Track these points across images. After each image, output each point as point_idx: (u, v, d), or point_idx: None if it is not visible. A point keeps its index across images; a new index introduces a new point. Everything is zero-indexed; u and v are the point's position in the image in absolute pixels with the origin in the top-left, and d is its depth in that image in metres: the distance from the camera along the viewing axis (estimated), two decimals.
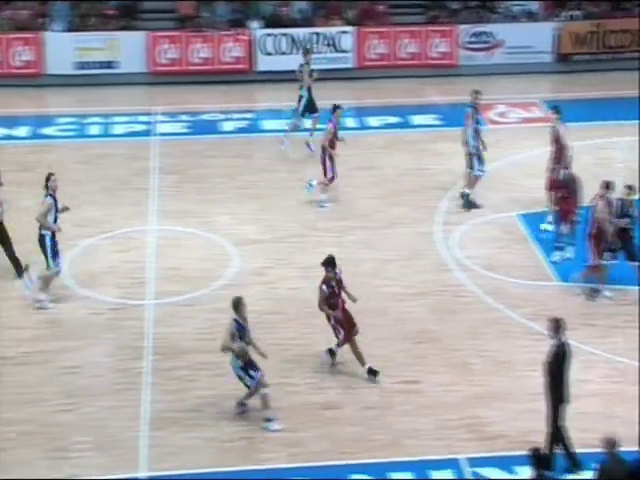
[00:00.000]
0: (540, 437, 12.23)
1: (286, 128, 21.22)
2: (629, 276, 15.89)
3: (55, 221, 15.37)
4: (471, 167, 18.72)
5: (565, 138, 17.73)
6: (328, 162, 18.70)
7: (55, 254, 15.44)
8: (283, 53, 25.35)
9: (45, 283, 15.62)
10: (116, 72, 25.22)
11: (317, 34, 25.50)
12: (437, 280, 16.42)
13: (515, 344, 14.69)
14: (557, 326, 12.07)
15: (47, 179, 15.50)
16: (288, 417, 13.20)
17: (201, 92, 24.74)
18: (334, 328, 14.18)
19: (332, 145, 18.66)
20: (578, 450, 12.24)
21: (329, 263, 14.08)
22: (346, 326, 14.07)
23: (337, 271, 14.13)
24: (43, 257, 15.51)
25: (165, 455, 12.60)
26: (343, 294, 14.18)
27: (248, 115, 23.35)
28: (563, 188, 16.76)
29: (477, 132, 18.78)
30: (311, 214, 18.68)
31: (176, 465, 12.40)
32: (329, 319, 14.15)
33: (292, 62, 25.15)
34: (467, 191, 18.74)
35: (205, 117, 23.44)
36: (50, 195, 15.41)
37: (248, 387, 13.15)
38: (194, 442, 12.80)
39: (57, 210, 15.39)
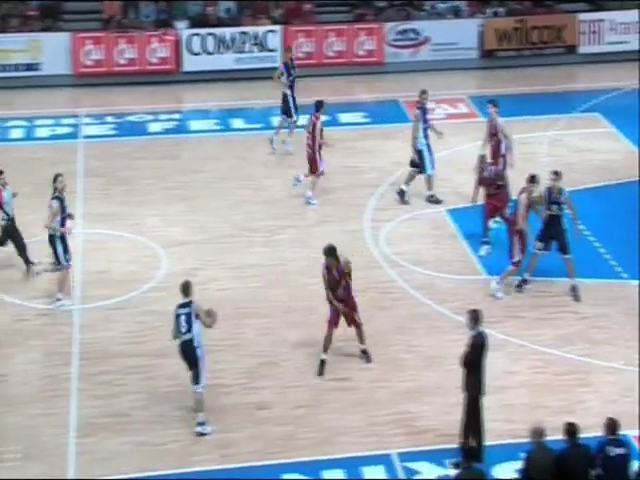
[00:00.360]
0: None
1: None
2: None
3: (63, 222, 15.45)
4: (417, 166, 18.78)
5: (506, 130, 18.01)
6: (318, 157, 18.70)
7: (66, 251, 15.55)
8: (210, 53, 25.25)
9: (60, 284, 15.68)
10: (39, 74, 24.86)
11: (244, 33, 25.44)
12: (366, 277, 16.48)
13: (444, 338, 14.82)
14: (475, 317, 12.22)
15: (54, 180, 15.58)
16: (220, 418, 13.16)
17: (127, 93, 24.55)
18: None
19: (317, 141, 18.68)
20: (507, 441, 12.43)
21: (329, 252, 14.06)
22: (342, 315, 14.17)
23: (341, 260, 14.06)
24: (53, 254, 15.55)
25: (95, 461, 12.47)
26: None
27: (176, 116, 23.22)
28: (492, 184, 16.96)
29: (426, 132, 18.96)
30: (240, 214, 18.65)
31: (107, 471, 12.29)
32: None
33: (219, 62, 25.22)
34: (404, 188, 18.93)
35: (132, 118, 23.26)
36: (57, 197, 15.45)
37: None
38: (125, 447, 12.71)
39: (65, 210, 15.47)
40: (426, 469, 12.27)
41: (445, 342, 14.73)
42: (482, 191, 17.23)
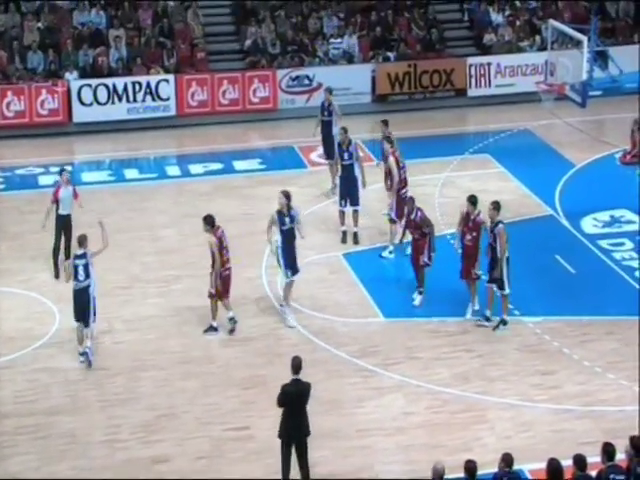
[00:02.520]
0: (370, 472, 12.34)
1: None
2: (449, 307, 16.33)
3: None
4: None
5: (394, 168, 18.44)
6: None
7: None
8: (101, 103, 25.02)
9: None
10: None
11: (136, 83, 25.31)
12: (264, 324, 16.44)
13: (343, 382, 14.83)
14: (294, 365, 12.37)
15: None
16: (117, 474, 12.86)
17: (16, 146, 24.05)
18: None
19: None
20: None
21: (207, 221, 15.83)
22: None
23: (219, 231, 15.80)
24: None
25: None
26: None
27: (67, 168, 22.80)
28: (417, 229, 16.98)
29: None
30: (136, 265, 18.42)
31: None
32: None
33: (111, 112, 25.00)
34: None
35: (21, 172, 22.84)
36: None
37: None
38: None
39: None
40: None
41: (345, 386, 14.75)
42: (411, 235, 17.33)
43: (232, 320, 16.16)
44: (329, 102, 21.79)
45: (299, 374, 12.37)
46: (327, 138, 21.66)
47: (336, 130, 20.81)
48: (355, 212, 19.05)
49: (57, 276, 17.76)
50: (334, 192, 20.64)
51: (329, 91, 22.10)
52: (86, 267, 15.02)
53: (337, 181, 20.01)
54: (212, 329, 16.18)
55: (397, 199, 18.47)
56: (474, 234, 16.19)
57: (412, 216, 16.95)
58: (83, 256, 15.03)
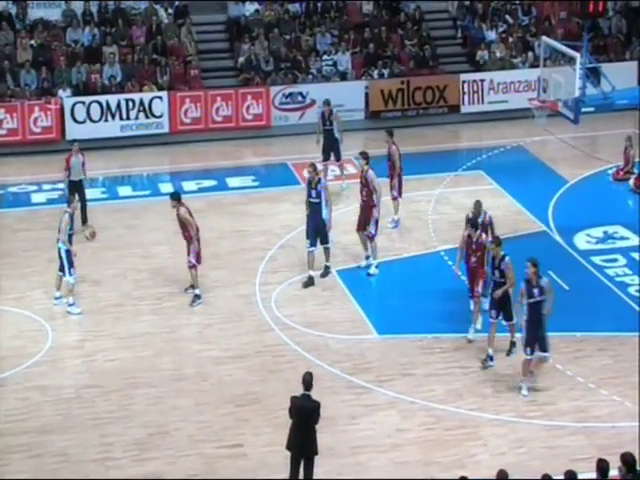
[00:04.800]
0: None
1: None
2: (441, 323, 16.31)
3: (70, 239, 17.33)
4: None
5: (375, 183, 18.31)
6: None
7: (71, 265, 17.23)
8: (94, 121, 25.01)
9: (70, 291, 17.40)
10: None
11: (130, 100, 25.33)
12: (257, 341, 16.41)
13: (337, 399, 14.78)
14: (304, 381, 12.49)
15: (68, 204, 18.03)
16: None
17: (9, 164, 24.01)
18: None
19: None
20: None
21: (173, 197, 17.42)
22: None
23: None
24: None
25: None
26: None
27: (60, 185, 22.81)
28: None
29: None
30: (128, 283, 18.37)
31: None
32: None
33: (104, 129, 24.99)
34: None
35: (14, 189, 22.82)
36: (70, 215, 17.39)
37: None
38: None
39: (71, 229, 17.48)
40: None
41: (338, 403, 14.70)
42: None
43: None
44: (329, 112, 22.14)
45: (310, 391, 12.38)
46: (333, 144, 22.17)
47: (338, 135, 22.03)
48: (326, 249, 18.36)
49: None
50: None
51: (327, 102, 22.38)
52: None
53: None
54: (197, 297, 17.43)
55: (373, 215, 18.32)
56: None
57: (474, 238, 16.34)
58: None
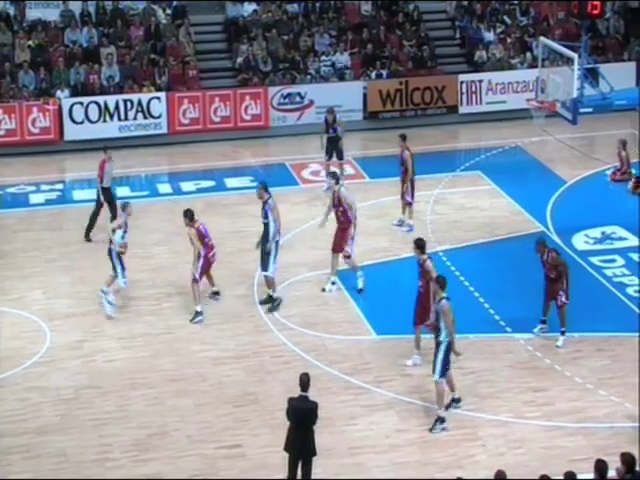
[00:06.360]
0: None
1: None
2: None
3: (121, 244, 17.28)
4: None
5: (349, 199, 17.72)
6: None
7: (123, 268, 17.31)
8: (93, 121, 25.02)
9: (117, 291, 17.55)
10: None
11: (128, 101, 25.33)
12: (256, 341, 16.42)
13: (335, 400, 14.79)
14: (301, 382, 12.44)
15: (123, 208, 17.55)
16: None
17: (7, 165, 23.99)
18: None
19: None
20: None
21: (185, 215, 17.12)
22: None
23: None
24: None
25: None
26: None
27: (58, 186, 22.88)
28: (553, 270, 15.97)
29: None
30: (128, 283, 18.35)
31: None
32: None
33: (103, 130, 25.00)
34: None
35: (12, 190, 22.80)
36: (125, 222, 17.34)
37: None
38: None
39: (125, 233, 17.31)
40: None
41: (336, 403, 14.71)
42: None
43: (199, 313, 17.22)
44: (333, 119, 22.17)
45: (307, 391, 12.38)
46: (335, 146, 22.24)
47: (341, 143, 22.20)
48: (266, 277, 17.48)
49: (88, 239, 19.89)
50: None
51: (331, 110, 22.44)
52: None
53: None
54: (198, 314, 17.05)
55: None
56: (424, 280, 15.24)
57: (545, 257, 16.06)
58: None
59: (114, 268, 17.20)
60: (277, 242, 17.50)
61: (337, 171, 19.25)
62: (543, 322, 16.35)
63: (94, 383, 15.27)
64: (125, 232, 17.21)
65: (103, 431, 14.09)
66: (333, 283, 18.02)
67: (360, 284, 17.97)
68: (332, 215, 17.99)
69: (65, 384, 15.26)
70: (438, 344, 13.95)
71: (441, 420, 13.97)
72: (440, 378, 13.92)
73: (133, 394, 15.01)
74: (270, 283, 17.51)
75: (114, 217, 19.37)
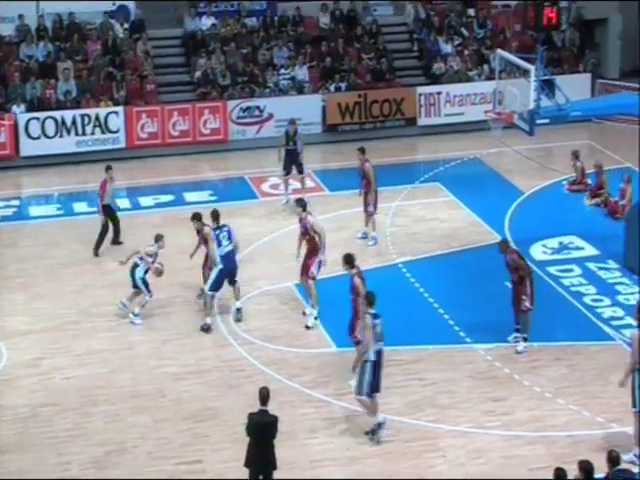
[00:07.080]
0: None
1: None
2: (401, 335, 16.35)
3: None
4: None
5: (316, 227, 17.42)
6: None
7: (147, 288, 17.54)
8: (49, 137, 24.83)
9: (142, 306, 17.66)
10: None
11: (85, 115, 25.17)
12: (216, 356, 16.34)
13: (296, 413, 14.74)
14: (264, 395, 12.34)
15: (157, 239, 17.88)
16: None
17: None
18: None
19: None
20: None
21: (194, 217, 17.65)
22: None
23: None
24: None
25: None
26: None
27: (14, 202, 22.63)
28: (515, 273, 16.15)
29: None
30: (85, 299, 18.23)
31: None
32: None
33: (59, 145, 24.81)
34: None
35: None
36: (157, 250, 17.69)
37: None
38: None
39: (154, 262, 17.67)
40: None
41: (297, 416, 14.66)
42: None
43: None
44: (294, 131, 22.20)
45: (267, 405, 12.32)
46: (295, 159, 22.32)
47: (301, 157, 22.31)
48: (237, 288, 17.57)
49: (96, 254, 19.98)
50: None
51: (292, 122, 22.50)
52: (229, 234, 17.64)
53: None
54: (206, 326, 17.14)
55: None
56: (354, 295, 15.09)
57: (506, 258, 16.13)
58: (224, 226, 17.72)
59: (134, 285, 17.48)
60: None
61: (304, 198, 18.72)
62: (517, 330, 16.40)
63: (52, 401, 15.11)
64: (153, 261, 17.61)
65: (61, 449, 13.94)
66: (316, 318, 17.28)
67: (310, 322, 17.23)
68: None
69: (22, 402, 15.08)
70: (364, 362, 13.88)
71: (380, 425, 13.97)
72: (365, 397, 13.87)
73: (92, 411, 14.86)
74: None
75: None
